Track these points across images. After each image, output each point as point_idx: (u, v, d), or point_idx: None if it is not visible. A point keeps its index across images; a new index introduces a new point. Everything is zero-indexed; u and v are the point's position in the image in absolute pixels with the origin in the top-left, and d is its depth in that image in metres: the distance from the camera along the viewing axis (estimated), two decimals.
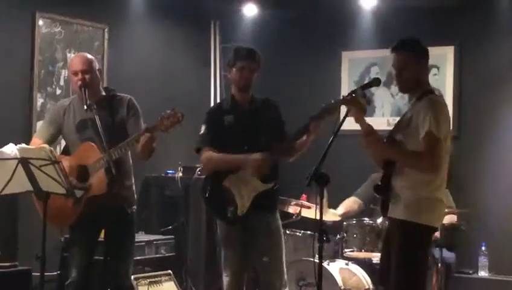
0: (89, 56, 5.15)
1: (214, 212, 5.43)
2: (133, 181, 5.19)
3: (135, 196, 5.21)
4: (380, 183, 4.60)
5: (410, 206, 4.46)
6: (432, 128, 4.37)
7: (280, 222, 5.34)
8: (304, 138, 5.12)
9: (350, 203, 7.06)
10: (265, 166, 5.07)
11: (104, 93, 5.15)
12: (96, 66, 5.13)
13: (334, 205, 6.95)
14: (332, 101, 4.84)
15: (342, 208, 6.99)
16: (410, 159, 4.50)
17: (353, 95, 4.59)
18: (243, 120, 5.26)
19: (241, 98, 5.30)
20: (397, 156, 4.55)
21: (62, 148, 5.28)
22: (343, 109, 4.66)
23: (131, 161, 5.15)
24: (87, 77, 4.99)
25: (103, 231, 5.15)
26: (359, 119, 4.56)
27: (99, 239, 5.17)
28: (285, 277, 5.28)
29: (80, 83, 4.97)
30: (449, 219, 6.61)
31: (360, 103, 4.56)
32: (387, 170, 4.58)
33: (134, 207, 5.17)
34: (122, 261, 5.08)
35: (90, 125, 4.99)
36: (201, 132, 5.30)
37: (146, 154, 4.97)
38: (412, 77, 4.58)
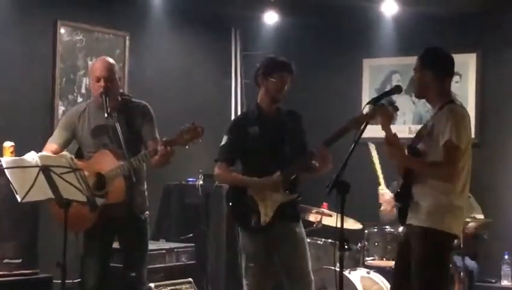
0: (111, 61, 5.13)
1: (237, 221, 5.41)
2: (146, 187, 5.20)
3: (147, 201, 5.21)
4: (399, 190, 4.60)
5: (432, 213, 4.46)
6: (452, 137, 4.37)
7: (304, 231, 5.33)
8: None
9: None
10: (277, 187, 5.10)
11: (120, 99, 5.15)
12: (117, 71, 5.13)
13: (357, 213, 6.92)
14: (350, 119, 4.86)
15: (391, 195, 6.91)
16: (428, 169, 4.51)
17: (383, 104, 4.58)
18: (268, 132, 5.23)
19: (268, 108, 5.26)
20: (418, 167, 4.55)
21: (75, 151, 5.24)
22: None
23: (145, 167, 5.16)
24: (109, 84, 4.98)
25: (118, 238, 5.18)
26: (385, 127, 4.57)
27: (115, 247, 5.19)
28: (313, 285, 5.27)
29: (101, 90, 4.96)
30: (473, 227, 6.59)
31: (388, 111, 4.57)
32: (408, 178, 4.58)
33: (147, 213, 5.18)
34: (137, 267, 5.09)
35: (106, 132, 5.00)
36: (222, 143, 5.29)
37: (159, 166, 4.97)
38: (423, 87, 4.61)
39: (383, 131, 4.59)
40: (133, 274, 5.05)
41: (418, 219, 4.51)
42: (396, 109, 4.65)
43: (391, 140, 4.54)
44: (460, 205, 4.54)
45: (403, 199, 4.60)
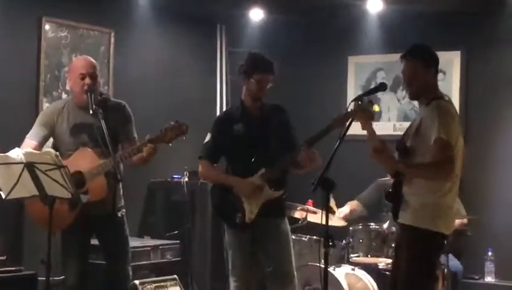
0: (93, 59, 5.17)
1: (222, 218, 5.42)
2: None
3: (123, 200, 5.20)
4: (390, 190, 4.59)
5: (417, 212, 4.45)
6: (441, 134, 4.33)
7: (289, 228, 5.34)
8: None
9: (353, 205, 7.04)
10: (256, 192, 5.12)
11: (99, 98, 5.13)
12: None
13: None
14: (334, 118, 4.85)
15: (347, 206, 6.96)
16: (423, 171, 4.47)
17: (359, 103, 4.56)
18: (253, 129, 5.25)
19: (251, 105, 5.28)
20: (409, 171, 4.51)
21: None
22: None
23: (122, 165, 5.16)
24: (93, 81, 4.99)
25: (97, 236, 5.17)
26: (366, 127, 4.55)
27: (94, 243, 5.19)
28: (296, 282, 5.28)
29: (86, 87, 4.96)
30: (457, 224, 6.61)
31: (366, 111, 4.55)
32: (398, 176, 4.56)
33: (124, 210, 5.17)
34: (120, 264, 5.09)
35: (85, 130, 4.99)
36: (205, 140, 5.30)
37: (140, 164, 4.99)
38: (421, 84, 4.57)
39: (365, 132, 4.55)
40: (121, 272, 5.08)
41: (406, 217, 4.50)
42: (372, 111, 4.58)
43: (379, 148, 4.48)
44: (449, 204, 4.52)
45: (393, 197, 4.58)
